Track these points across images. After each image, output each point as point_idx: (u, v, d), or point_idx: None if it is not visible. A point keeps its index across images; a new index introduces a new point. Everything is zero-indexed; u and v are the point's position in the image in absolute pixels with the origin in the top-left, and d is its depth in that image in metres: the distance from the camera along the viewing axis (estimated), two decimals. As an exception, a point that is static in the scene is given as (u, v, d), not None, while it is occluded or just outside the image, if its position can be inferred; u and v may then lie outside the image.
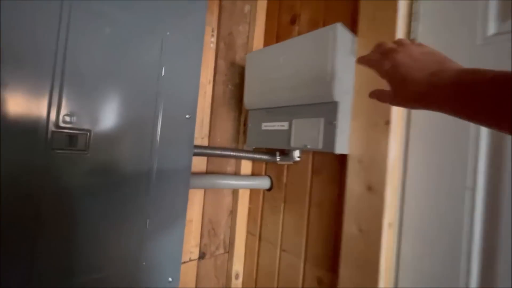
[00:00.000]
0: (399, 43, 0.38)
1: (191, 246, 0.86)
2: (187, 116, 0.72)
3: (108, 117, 0.59)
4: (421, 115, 0.61)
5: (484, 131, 0.52)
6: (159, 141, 0.67)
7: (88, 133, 0.55)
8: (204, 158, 0.88)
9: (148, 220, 0.66)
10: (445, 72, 0.30)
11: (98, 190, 0.57)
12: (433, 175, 0.58)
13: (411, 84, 0.33)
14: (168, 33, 0.68)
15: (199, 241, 0.88)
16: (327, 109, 0.64)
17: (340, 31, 0.61)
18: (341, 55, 0.62)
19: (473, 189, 0.53)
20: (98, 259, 0.58)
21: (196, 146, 0.80)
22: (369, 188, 0.61)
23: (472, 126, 0.53)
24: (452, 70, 0.30)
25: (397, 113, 0.61)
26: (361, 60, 0.43)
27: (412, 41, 0.39)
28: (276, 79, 0.72)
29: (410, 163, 0.62)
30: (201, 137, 0.86)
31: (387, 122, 0.60)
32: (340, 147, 0.63)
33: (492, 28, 0.54)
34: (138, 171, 0.64)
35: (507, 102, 0.23)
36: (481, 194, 0.52)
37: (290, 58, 0.69)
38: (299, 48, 0.67)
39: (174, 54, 0.69)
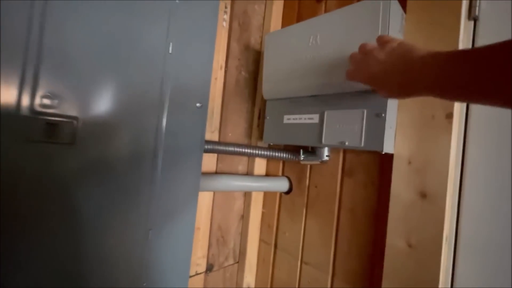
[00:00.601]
0: (378, 41, 0.41)
1: (197, 258, 0.74)
2: (198, 104, 0.60)
3: (101, 102, 0.47)
4: (482, 108, 0.51)
5: None
6: (165, 134, 0.55)
7: (75, 122, 0.42)
8: (214, 156, 0.76)
9: (150, 231, 0.54)
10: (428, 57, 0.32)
11: (88, 193, 0.45)
12: (498, 181, 0.48)
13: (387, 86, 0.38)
14: (177, 1, 0.55)
15: (206, 251, 0.76)
16: (372, 98, 0.53)
17: (393, 3, 0.50)
18: (393, 32, 0.50)
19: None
20: (88, 274, 0.46)
21: (208, 142, 0.68)
22: (423, 195, 0.51)
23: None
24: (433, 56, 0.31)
25: (459, 104, 0.50)
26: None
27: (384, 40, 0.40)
28: (305, 63, 0.60)
29: (468, 165, 0.52)
30: (211, 131, 0.74)
31: (449, 115, 0.49)
32: (388, 146, 0.52)
33: None
34: (138, 171, 0.52)
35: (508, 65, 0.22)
36: None
37: (326, 36, 0.57)
38: (339, 23, 0.55)
39: (184, 28, 0.56)
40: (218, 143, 0.70)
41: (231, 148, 0.71)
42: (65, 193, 0.42)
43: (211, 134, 0.74)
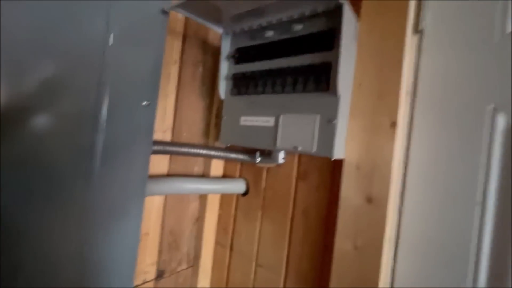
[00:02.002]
0: None
1: (146, 265, 0.69)
2: (144, 103, 0.55)
3: (23, 96, 0.40)
4: (426, 115, 0.54)
5: (499, 136, 0.47)
6: (104, 137, 0.49)
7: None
8: (166, 157, 0.71)
9: (86, 247, 0.49)
10: None
11: (8, 200, 0.39)
12: (437, 186, 0.52)
13: None
14: (120, -15, 0.49)
15: (156, 257, 0.72)
16: (325, 104, 0.53)
17: (347, 9, 0.50)
18: (346, 39, 0.51)
19: (483, 204, 0.47)
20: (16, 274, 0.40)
21: (156, 142, 0.63)
22: (369, 200, 0.53)
23: (486, 127, 0.47)
24: None
25: (404, 113, 0.53)
26: None
27: None
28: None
29: (410, 171, 0.55)
30: (162, 131, 0.69)
31: (393, 124, 0.51)
32: (338, 152, 0.53)
33: (510, 26, 0.48)
34: (73, 167, 0.46)
35: None
36: (491, 209, 0.47)
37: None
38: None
39: (127, 17, 0.51)
40: (170, 143, 0.66)
41: (184, 149, 0.67)
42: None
43: (163, 133, 0.69)
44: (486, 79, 0.48)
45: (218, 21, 0.64)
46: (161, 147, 0.63)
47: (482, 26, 0.49)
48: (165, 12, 0.55)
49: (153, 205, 0.69)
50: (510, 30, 0.48)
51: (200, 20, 0.63)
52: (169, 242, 0.74)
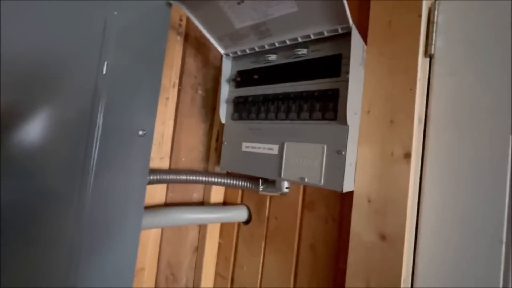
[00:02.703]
0: None
1: (141, 303, 0.64)
2: (140, 132, 0.51)
3: (21, 121, 0.37)
4: (440, 144, 0.51)
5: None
6: (95, 167, 0.46)
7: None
8: (164, 184, 0.68)
9: (74, 282, 0.44)
10: None
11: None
12: (455, 223, 0.48)
13: None
14: (115, 12, 0.47)
15: (152, 293, 0.67)
16: (333, 133, 0.49)
17: (355, 34, 0.47)
18: (354, 65, 0.48)
19: (509, 243, 0.43)
20: None
21: (153, 171, 0.60)
22: (383, 237, 0.49)
23: (509, 157, 0.43)
24: None
25: (417, 142, 0.49)
26: None
27: None
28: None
29: (424, 206, 0.51)
30: (159, 157, 0.65)
31: (408, 155, 0.47)
32: (348, 184, 0.49)
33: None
34: (62, 209, 0.43)
35: None
36: (519, 250, 0.43)
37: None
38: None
39: (123, 44, 0.48)
40: (167, 171, 0.62)
41: (182, 177, 0.64)
42: None
43: (160, 161, 0.65)
44: (506, 106, 0.45)
45: (221, 37, 0.61)
46: (157, 176, 0.59)
47: (498, 50, 0.46)
48: (168, 5, 0.52)
49: (149, 237, 0.65)
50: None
51: (203, 30, 0.58)
52: (166, 275, 0.69)
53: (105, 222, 0.48)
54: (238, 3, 0.49)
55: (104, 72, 0.45)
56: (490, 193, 0.45)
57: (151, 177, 0.58)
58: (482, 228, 0.45)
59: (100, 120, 0.45)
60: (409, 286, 0.50)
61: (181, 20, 0.68)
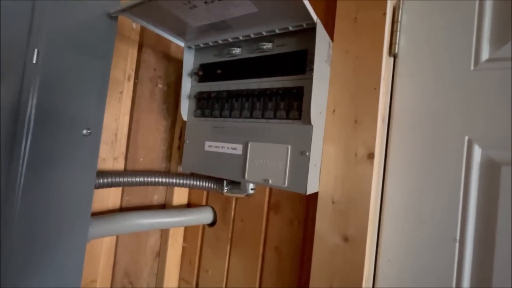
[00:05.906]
0: None
1: (93, 318, 0.58)
2: (84, 131, 0.45)
3: None
4: (402, 145, 0.51)
5: (476, 169, 0.44)
6: (24, 175, 0.39)
7: None
8: (119, 187, 0.62)
9: None
10: None
11: None
12: (414, 223, 0.48)
13: None
14: (45, -9, 0.40)
15: (107, 306, 0.61)
16: (297, 133, 0.47)
17: (320, 30, 0.45)
18: (319, 62, 0.46)
19: (462, 242, 0.44)
20: None
21: (103, 173, 0.54)
22: (346, 239, 0.48)
23: (463, 160, 0.44)
24: None
25: (380, 142, 0.49)
26: None
27: None
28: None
29: (386, 207, 0.51)
30: (113, 158, 0.59)
31: (371, 156, 0.47)
32: (312, 185, 0.48)
33: (485, 54, 0.46)
34: None
35: None
36: (470, 246, 0.44)
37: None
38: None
39: (58, 29, 0.41)
40: (121, 173, 0.56)
41: (139, 179, 0.58)
42: None
43: (113, 161, 0.59)
44: (461, 108, 0.46)
45: (179, 33, 0.57)
46: (108, 179, 0.54)
47: (457, 53, 0.47)
48: (111, 17, 0.46)
49: (101, 246, 0.59)
50: (486, 58, 0.46)
51: (158, 31, 0.55)
52: (123, 284, 0.64)
53: (40, 234, 0.42)
54: (191, 8, 0.44)
55: (34, 62, 0.39)
56: (446, 193, 0.46)
57: (100, 181, 0.52)
58: (439, 227, 0.46)
59: (30, 117, 0.39)
60: (371, 286, 0.50)
61: (137, 5, 0.62)
